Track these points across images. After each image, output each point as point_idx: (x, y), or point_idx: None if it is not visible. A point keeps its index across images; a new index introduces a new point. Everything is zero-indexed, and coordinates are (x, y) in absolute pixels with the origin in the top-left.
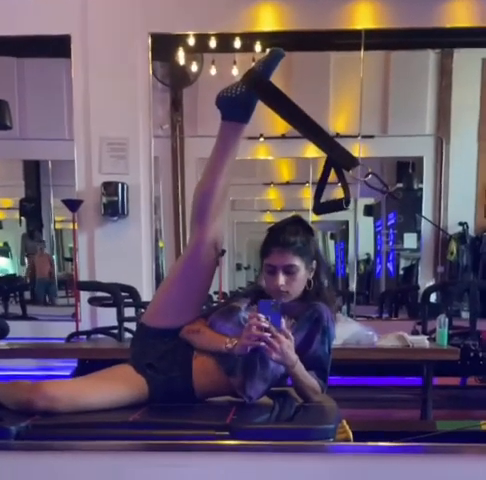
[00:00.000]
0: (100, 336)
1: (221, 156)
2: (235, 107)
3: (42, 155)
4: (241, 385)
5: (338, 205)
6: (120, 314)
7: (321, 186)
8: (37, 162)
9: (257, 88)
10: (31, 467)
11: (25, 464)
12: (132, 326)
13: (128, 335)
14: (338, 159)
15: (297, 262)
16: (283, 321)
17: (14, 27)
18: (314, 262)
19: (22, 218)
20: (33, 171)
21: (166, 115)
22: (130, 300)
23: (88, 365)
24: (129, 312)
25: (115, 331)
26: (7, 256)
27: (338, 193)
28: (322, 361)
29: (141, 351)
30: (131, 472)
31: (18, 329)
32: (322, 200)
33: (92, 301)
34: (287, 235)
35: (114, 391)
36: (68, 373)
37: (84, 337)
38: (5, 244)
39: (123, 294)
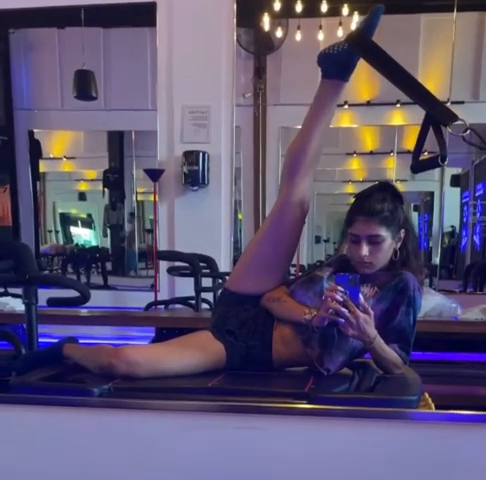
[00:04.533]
0: (178, 306)
1: (318, 114)
2: (335, 64)
3: (126, 126)
4: (319, 357)
5: (434, 162)
6: (198, 284)
7: (420, 144)
8: (121, 133)
9: (358, 45)
10: (111, 424)
11: (106, 421)
12: (209, 296)
13: (205, 305)
14: (438, 115)
15: (383, 232)
16: (361, 296)
17: None
18: (402, 231)
19: (105, 189)
20: (117, 142)
21: (249, 83)
22: (208, 270)
23: (165, 334)
24: (207, 282)
25: (192, 301)
26: (90, 227)
27: None
28: (406, 333)
29: (222, 318)
30: (209, 432)
31: (99, 298)
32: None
33: (171, 271)
34: (373, 203)
35: (193, 357)
36: (146, 342)
37: (162, 307)
38: (89, 216)
39: (201, 264)
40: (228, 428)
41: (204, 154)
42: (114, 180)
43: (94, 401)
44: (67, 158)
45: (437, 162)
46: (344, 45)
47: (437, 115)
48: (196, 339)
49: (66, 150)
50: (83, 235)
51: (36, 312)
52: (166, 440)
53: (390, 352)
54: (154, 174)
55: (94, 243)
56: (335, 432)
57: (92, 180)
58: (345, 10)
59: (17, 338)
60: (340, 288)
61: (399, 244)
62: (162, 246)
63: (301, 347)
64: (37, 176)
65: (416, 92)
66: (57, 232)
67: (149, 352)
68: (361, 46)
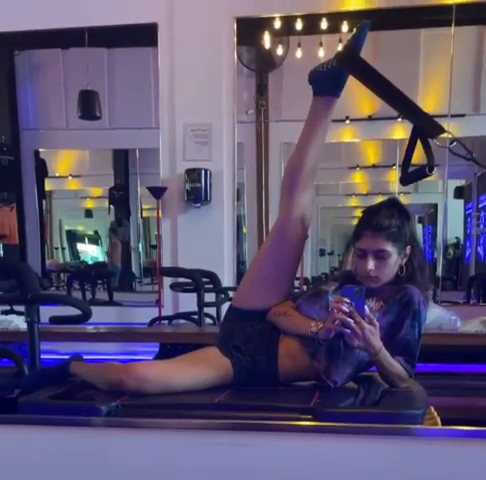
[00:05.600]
0: (181, 321)
1: (312, 130)
2: (326, 82)
3: (130, 144)
4: (326, 370)
5: (422, 172)
6: (200, 299)
7: (408, 156)
8: (126, 151)
9: (346, 62)
10: (119, 442)
11: (113, 440)
12: (212, 311)
13: (208, 320)
14: (425, 127)
15: (389, 247)
16: (367, 308)
17: (104, 18)
18: (408, 247)
19: (111, 206)
20: (122, 160)
21: (251, 100)
22: (211, 286)
23: (169, 349)
24: (210, 297)
25: (196, 316)
26: (97, 244)
27: None
28: (411, 346)
29: (229, 334)
30: (214, 450)
31: (104, 314)
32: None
33: (174, 287)
34: (381, 219)
35: (201, 373)
36: (150, 358)
37: (166, 322)
38: (95, 232)
39: (204, 280)
40: (232, 446)
41: (206, 171)
42: (119, 197)
43: (102, 421)
44: (73, 176)
45: (425, 172)
46: (333, 62)
47: (424, 127)
48: (203, 355)
49: (72, 168)
50: (90, 251)
51: (38, 330)
52: (172, 458)
53: (395, 365)
54: (157, 192)
55: (101, 259)
56: (341, 448)
57: (98, 197)
58: (345, 27)
59: (19, 356)
60: (346, 299)
61: (405, 260)
62: (166, 262)
63: (307, 360)
64: (43, 194)
65: (403, 105)
66: (63, 249)
67: (158, 368)
68: (349, 62)
